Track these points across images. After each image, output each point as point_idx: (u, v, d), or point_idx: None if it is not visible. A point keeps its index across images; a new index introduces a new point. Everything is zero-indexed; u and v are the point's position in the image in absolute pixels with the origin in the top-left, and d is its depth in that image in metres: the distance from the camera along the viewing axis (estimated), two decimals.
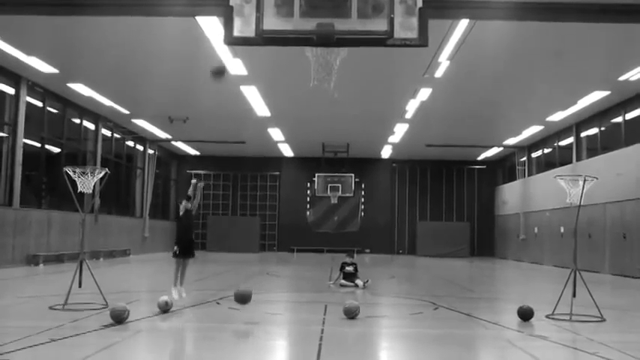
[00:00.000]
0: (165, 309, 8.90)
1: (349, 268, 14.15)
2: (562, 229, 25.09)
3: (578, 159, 24.11)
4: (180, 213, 10.43)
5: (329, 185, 29.02)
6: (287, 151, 33.04)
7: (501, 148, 30.69)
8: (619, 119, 20.92)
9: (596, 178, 9.77)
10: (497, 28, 13.12)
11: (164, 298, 9.01)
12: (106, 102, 21.59)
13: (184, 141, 30.31)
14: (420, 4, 6.33)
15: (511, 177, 32.85)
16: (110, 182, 21.91)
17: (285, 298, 12.54)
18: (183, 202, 10.38)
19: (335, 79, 6.64)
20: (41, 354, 6.14)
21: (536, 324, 8.72)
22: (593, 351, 6.72)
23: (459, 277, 19.00)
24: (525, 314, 8.80)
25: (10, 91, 18.32)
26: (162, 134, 28.10)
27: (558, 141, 26.46)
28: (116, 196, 26.84)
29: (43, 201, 20.45)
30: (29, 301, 10.25)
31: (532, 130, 25.69)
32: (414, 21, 6.23)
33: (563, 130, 25.34)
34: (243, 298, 8.92)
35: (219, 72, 8.64)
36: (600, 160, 21.87)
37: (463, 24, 12.95)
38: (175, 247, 10.21)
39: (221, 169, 35.85)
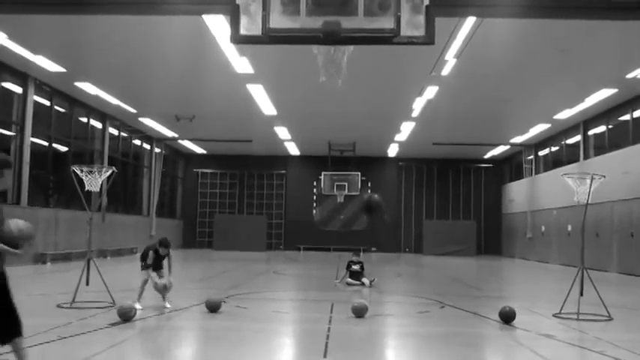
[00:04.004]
0: (128, 316, 8.01)
1: (356, 267, 14.16)
2: (569, 228, 24.99)
3: (586, 157, 24.00)
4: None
5: (335, 184, 29.05)
6: (293, 149, 33.04)
7: (508, 147, 30.57)
8: (627, 117, 20.81)
9: (604, 177, 9.73)
10: (504, 25, 13.06)
11: (129, 302, 8.45)
12: (113, 101, 21.65)
13: (191, 139, 30.36)
14: (426, 1, 6.32)
15: (518, 175, 32.73)
16: (117, 181, 22.17)
17: (291, 297, 12.57)
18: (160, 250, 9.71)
19: (344, 75, 6.63)
20: (49, 352, 6.18)
21: (543, 323, 8.70)
22: (601, 350, 6.70)
23: (465, 276, 18.96)
24: (507, 317, 8.45)
25: (18, 90, 18.39)
26: (169, 133, 28.17)
27: (565, 139, 26.34)
28: (123, 195, 26.92)
29: (50, 200, 20.53)
30: (37, 299, 10.29)
31: (539, 128, 25.57)
32: (421, 19, 6.20)
33: (570, 128, 25.22)
34: (213, 307, 8.99)
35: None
36: (608, 158, 21.75)
37: (470, 22, 12.91)
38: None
39: (227, 167, 35.88)
